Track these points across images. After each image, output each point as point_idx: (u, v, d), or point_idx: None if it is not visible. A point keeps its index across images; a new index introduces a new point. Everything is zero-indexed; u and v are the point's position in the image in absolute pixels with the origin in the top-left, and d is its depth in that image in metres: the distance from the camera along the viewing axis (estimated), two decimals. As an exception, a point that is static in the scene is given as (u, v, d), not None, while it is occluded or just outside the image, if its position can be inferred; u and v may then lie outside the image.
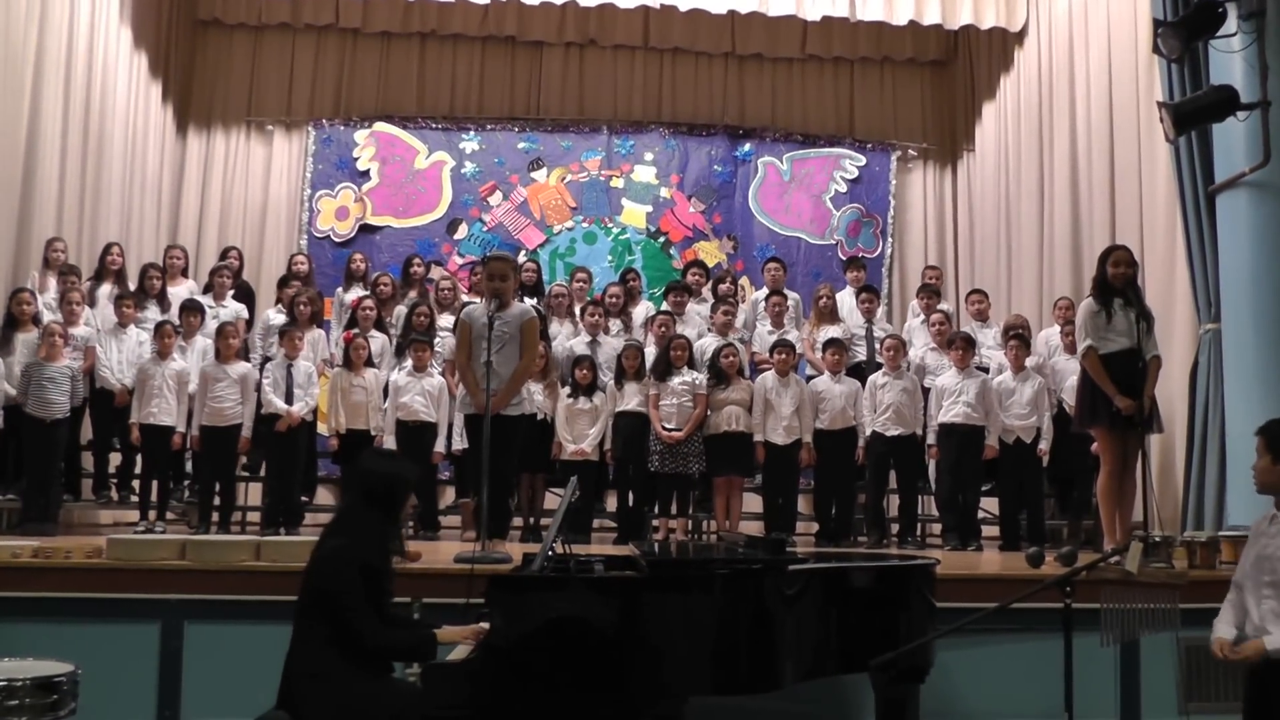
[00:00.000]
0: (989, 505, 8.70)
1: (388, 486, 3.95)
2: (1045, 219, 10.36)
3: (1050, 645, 4.04)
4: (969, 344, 8.47)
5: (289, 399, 8.29)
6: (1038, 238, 10.48)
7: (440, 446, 8.41)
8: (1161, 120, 7.06)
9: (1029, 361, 8.51)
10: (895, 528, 8.59)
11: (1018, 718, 5.47)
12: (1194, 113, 6.92)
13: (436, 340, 8.84)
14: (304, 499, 8.72)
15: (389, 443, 8.18)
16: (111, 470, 9.00)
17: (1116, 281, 6.49)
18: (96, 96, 10.23)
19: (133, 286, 9.28)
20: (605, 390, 8.54)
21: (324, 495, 9.58)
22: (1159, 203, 8.39)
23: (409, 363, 8.45)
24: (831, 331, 9.26)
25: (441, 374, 8.56)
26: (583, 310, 9.31)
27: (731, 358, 8.41)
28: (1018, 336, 8.56)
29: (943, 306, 9.85)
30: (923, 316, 9.58)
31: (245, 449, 8.42)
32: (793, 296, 10.00)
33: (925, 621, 4.44)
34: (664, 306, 9.65)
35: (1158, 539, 5.84)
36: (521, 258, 10.94)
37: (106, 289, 9.26)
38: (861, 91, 12.69)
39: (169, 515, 8.50)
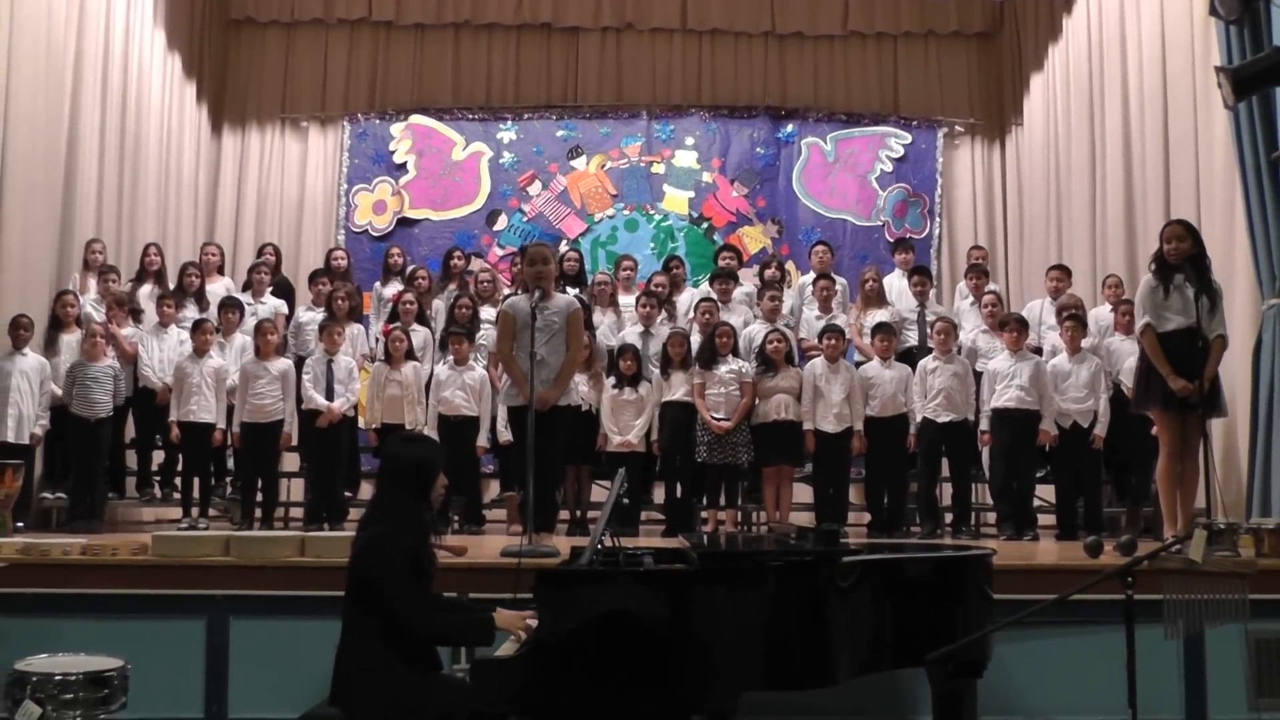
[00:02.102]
0: (1044, 493, 8.62)
1: (415, 469, 3.92)
2: (1097, 194, 10.21)
3: (1111, 639, 4.01)
4: (1022, 326, 8.37)
5: (329, 395, 8.34)
6: (1089, 213, 10.34)
7: (483, 440, 8.43)
8: (1219, 86, 6.88)
9: (1085, 342, 8.40)
10: (948, 517, 8.52)
11: (1078, 714, 5.40)
12: (1254, 76, 6.66)
13: (480, 334, 8.88)
14: (347, 494, 8.76)
15: (431, 433, 8.17)
16: (155, 468, 9.11)
17: (1172, 257, 6.38)
18: (133, 98, 10.34)
19: (172, 285, 9.41)
20: (651, 380, 8.53)
21: (367, 490, 9.33)
22: (1217, 174, 8.21)
23: (450, 356, 8.49)
24: (879, 315, 9.19)
25: (485, 367, 8.58)
26: (636, 300, 9.28)
27: (779, 344, 8.36)
28: (1073, 316, 8.46)
29: (993, 287, 9.75)
30: (972, 298, 9.50)
31: (287, 445, 8.48)
32: (840, 281, 9.94)
33: (982, 614, 4.37)
34: (708, 293, 9.61)
35: (1222, 526, 5.68)
36: (563, 247, 11.00)
37: (147, 289, 9.38)
38: (906, 67, 12.58)
39: (212, 512, 8.59)
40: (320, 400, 8.30)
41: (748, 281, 10.22)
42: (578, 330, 6.45)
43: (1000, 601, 4.53)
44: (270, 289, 9.76)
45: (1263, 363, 7.39)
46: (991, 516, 8.80)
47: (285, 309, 9.68)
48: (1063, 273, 9.43)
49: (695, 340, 8.72)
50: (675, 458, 8.40)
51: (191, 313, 9.11)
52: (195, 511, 8.38)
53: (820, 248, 10.20)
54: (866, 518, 8.61)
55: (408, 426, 8.28)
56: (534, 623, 3.91)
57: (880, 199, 12.04)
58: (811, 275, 9.96)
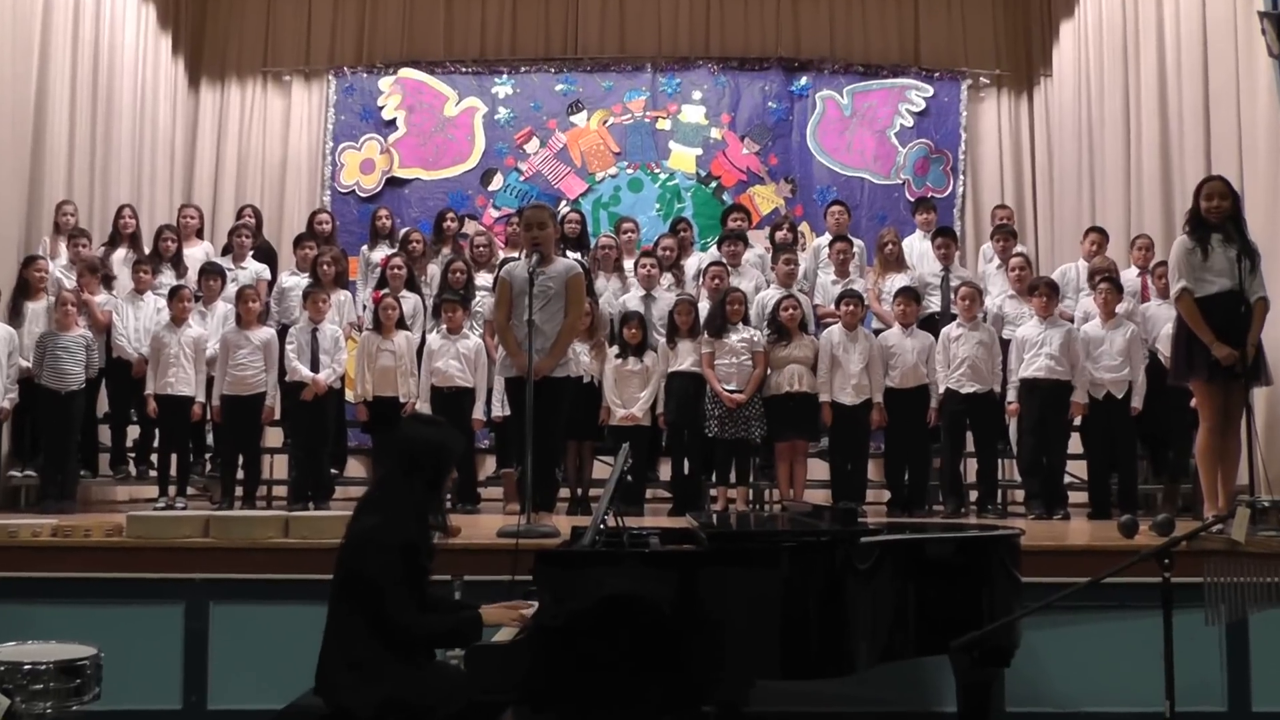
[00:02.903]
0: (1076, 469, 8.59)
1: (432, 457, 3.87)
2: (1131, 149, 10.15)
3: (1147, 624, 4.04)
4: (1052, 290, 8.33)
5: (314, 366, 8.33)
6: (1124, 170, 10.27)
7: (479, 413, 8.46)
8: (1263, 33, 6.83)
9: (1120, 308, 8.35)
10: (973, 495, 8.54)
11: (1112, 704, 5.38)
12: (1300, 21, 6.64)
13: (476, 300, 8.89)
14: (334, 471, 8.78)
15: (425, 408, 8.19)
16: (129, 444, 9.10)
17: (1212, 216, 6.25)
18: (105, 51, 10.26)
19: (147, 250, 9.38)
20: (657, 350, 8.52)
21: (354, 467, 9.67)
22: (1259, 126, 8.13)
23: (443, 325, 8.50)
24: (900, 280, 9.18)
25: (481, 336, 8.60)
26: (635, 263, 9.27)
27: (793, 311, 8.35)
28: (1107, 279, 8.39)
29: (1021, 249, 9.70)
30: (998, 261, 9.47)
31: (270, 419, 8.50)
32: (858, 243, 9.91)
33: (1010, 598, 4.35)
34: (717, 257, 9.57)
35: (1266, 504, 5.62)
36: (563, 208, 10.92)
37: (121, 254, 9.36)
38: (927, 15, 12.46)
39: (190, 491, 8.60)
40: (305, 371, 8.29)
41: (759, 244, 10.18)
42: (578, 296, 6.47)
43: (1029, 585, 4.50)
44: (251, 253, 9.72)
45: (1310, 328, 7.29)
46: (1019, 494, 8.79)
47: (268, 274, 9.65)
48: (1100, 235, 9.37)
49: (704, 307, 8.70)
50: (683, 432, 8.40)
51: (168, 279, 9.08)
52: (173, 490, 8.38)
53: (836, 208, 10.18)
54: (886, 496, 8.62)
55: (401, 399, 8.34)
56: (527, 611, 3.90)
57: (900, 156, 11.96)
58: (827, 237, 9.93)
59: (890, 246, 9.51)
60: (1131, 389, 8.13)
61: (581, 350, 8.07)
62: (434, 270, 9.49)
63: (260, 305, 8.61)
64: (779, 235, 9.92)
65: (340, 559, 3.84)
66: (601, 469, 8.61)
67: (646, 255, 9.34)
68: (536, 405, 5.96)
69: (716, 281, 8.89)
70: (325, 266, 8.92)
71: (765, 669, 3.78)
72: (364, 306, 9.38)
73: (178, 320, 8.43)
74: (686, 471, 8.44)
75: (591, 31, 12.38)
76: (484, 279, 9.14)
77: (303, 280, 9.14)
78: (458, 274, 8.94)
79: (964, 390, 8.23)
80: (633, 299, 9.00)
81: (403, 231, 10.00)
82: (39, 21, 9.13)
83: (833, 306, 8.85)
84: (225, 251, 9.84)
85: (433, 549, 3.91)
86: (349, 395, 8.93)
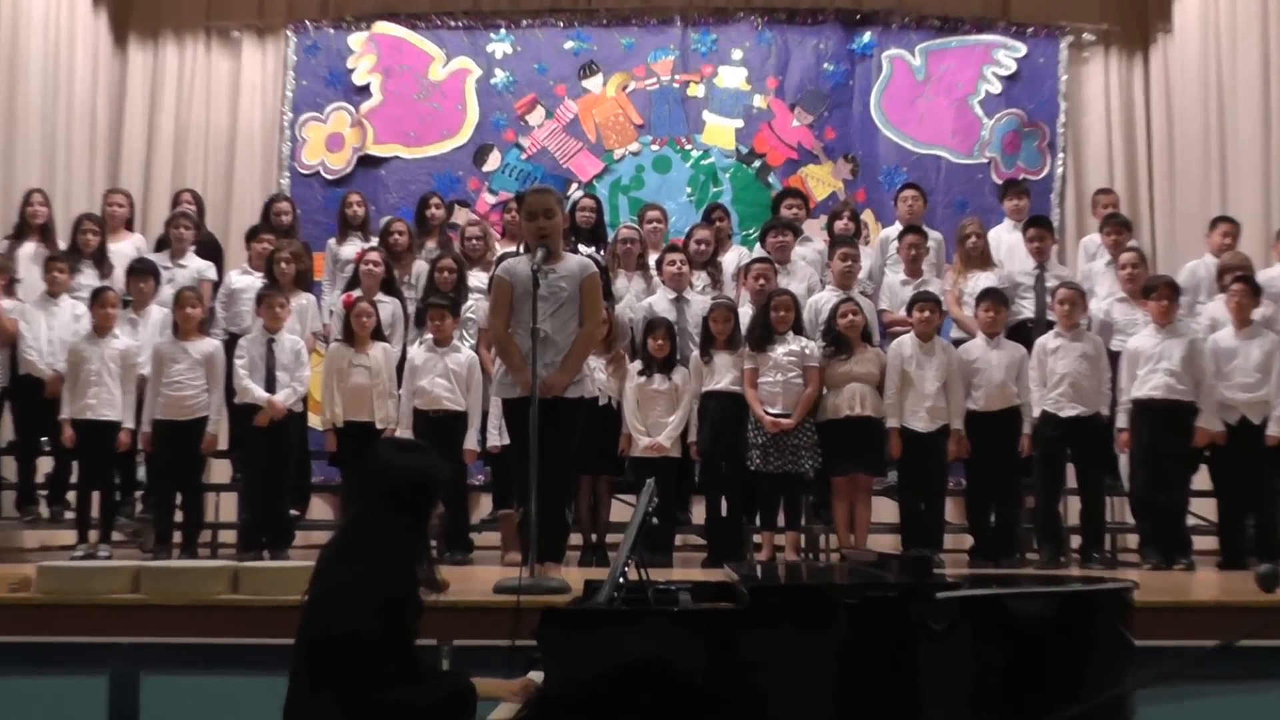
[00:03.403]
0: (1202, 508, 8.53)
1: (414, 491, 3.82)
2: (1271, 122, 10.09)
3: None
4: (1173, 292, 8.29)
5: (270, 385, 8.28)
6: (1260, 147, 10.22)
7: (472, 442, 8.40)
8: None
9: (1256, 313, 8.30)
10: (1075, 540, 8.49)
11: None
12: None
13: (468, 305, 8.82)
14: (294, 513, 8.76)
15: (406, 434, 8.15)
16: (41, 479, 9.05)
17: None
18: (7, 3, 10.24)
19: (64, 245, 9.31)
20: (688, 365, 8.47)
21: (320, 508, 9.62)
22: None
23: (428, 335, 8.44)
24: (985, 280, 9.07)
25: (473, 348, 8.59)
26: (661, 259, 9.18)
27: (853, 317, 8.29)
28: (1241, 279, 8.35)
29: (1134, 243, 9.59)
30: (1107, 257, 9.39)
31: (214, 449, 8.49)
32: (934, 236, 9.83)
33: (1119, 666, 4.31)
34: (760, 252, 9.44)
35: None
36: (574, 193, 10.76)
37: (29, 248, 9.32)
38: (1018, -43, 12.41)
39: (116, 536, 8.53)
40: (258, 392, 8.25)
41: (814, 237, 10.08)
42: (594, 300, 6.47)
43: (1143, 649, 4.46)
44: (193, 248, 9.66)
45: None
46: (1131, 539, 8.77)
47: (212, 274, 9.61)
48: (1232, 226, 9.33)
49: (745, 313, 8.66)
50: (719, 465, 8.38)
51: (90, 279, 9.03)
52: (94, 536, 8.33)
53: (909, 193, 10.10)
54: (968, 541, 8.60)
55: (377, 425, 8.31)
56: (534, 679, 3.89)
57: (985, 129, 11.81)
58: (896, 228, 9.84)
59: (973, 240, 9.38)
60: (1270, 412, 8.07)
61: (597, 366, 8.03)
62: (418, 268, 9.41)
63: (202, 311, 8.54)
64: (837, 226, 9.76)
65: (304, 620, 3.76)
66: (621, 510, 8.58)
67: (675, 250, 9.25)
68: (543, 432, 5.94)
69: (761, 282, 8.82)
70: (284, 264, 8.81)
71: (818, 751, 3.77)
72: (331, 312, 9.28)
73: (101, 330, 8.39)
74: (724, 513, 8.42)
75: (609, -24, 12.29)
76: (478, 279, 9.04)
77: (256, 280, 9.05)
78: (446, 273, 8.86)
79: (1063, 414, 8.17)
80: (659, 303, 8.93)
81: (380, 222, 9.88)
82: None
83: (903, 312, 8.83)
84: (160, 246, 9.78)
85: (420, 606, 3.85)
86: (313, 421, 8.90)
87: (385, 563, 3.69)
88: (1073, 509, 8.62)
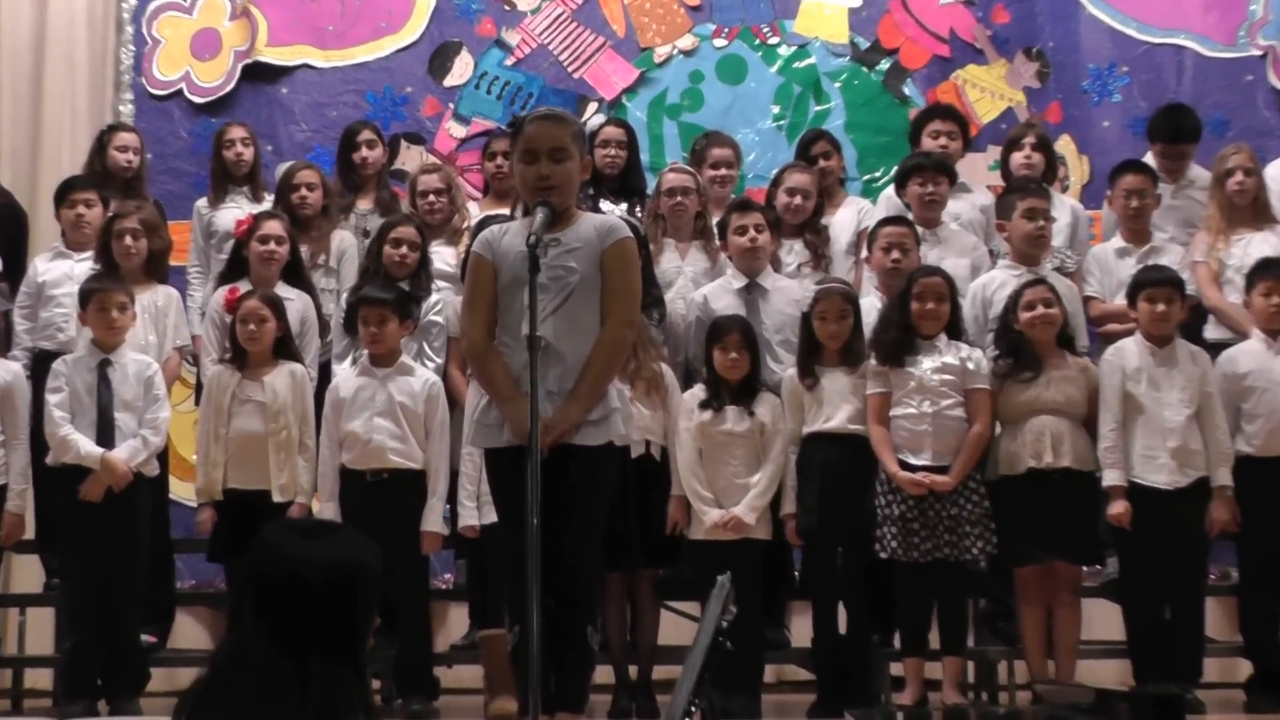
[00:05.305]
0: None
1: (328, 597, 3.08)
2: None
3: None
4: None
5: (106, 434, 7.01)
6: None
7: (436, 521, 7.03)
8: None
9: None
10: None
11: None
12: None
13: (432, 303, 7.55)
14: (148, 639, 7.39)
15: (329, 513, 6.91)
16: None
17: None
18: None
19: None
20: (779, 390, 7.05)
21: (189, 629, 8.19)
22: None
23: (362, 350, 7.15)
24: (1261, 245, 7.57)
25: (438, 369, 7.39)
26: (724, 221, 7.62)
27: (1045, 310, 6.90)
28: None
29: None
30: None
31: (14, 538, 7.20)
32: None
33: None
34: (892, 208, 7.82)
35: None
36: (591, 119, 9.07)
37: None
38: None
39: None
40: (86, 446, 6.89)
41: (975, 187, 8.37)
42: (624, 284, 5.43)
43: None
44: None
45: None
46: None
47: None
48: None
49: (870, 307, 7.30)
50: (833, 551, 7.03)
51: None
52: None
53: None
54: (1244, 669, 7.20)
55: (277, 496, 7.02)
56: None
57: (1256, 2, 9.77)
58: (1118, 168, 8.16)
59: (1240, 180, 7.65)
60: None
61: (627, 391, 6.27)
62: (339, 242, 8.09)
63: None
64: (1016, 162, 8.07)
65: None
66: (676, 627, 7.29)
67: (749, 209, 7.60)
68: (548, 502, 4.88)
69: (895, 257, 7.30)
70: (127, 239, 7.39)
71: None
72: (203, 316, 7.91)
73: None
74: (844, 629, 7.10)
75: None
76: (442, 259, 7.77)
77: (80, 267, 7.70)
78: (393, 249, 7.46)
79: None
80: (727, 292, 7.45)
81: (278, 171, 8.44)
82: None
83: (1123, 300, 7.32)
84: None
85: None
86: (178, 490, 7.89)
87: (288, 715, 3.15)
88: None
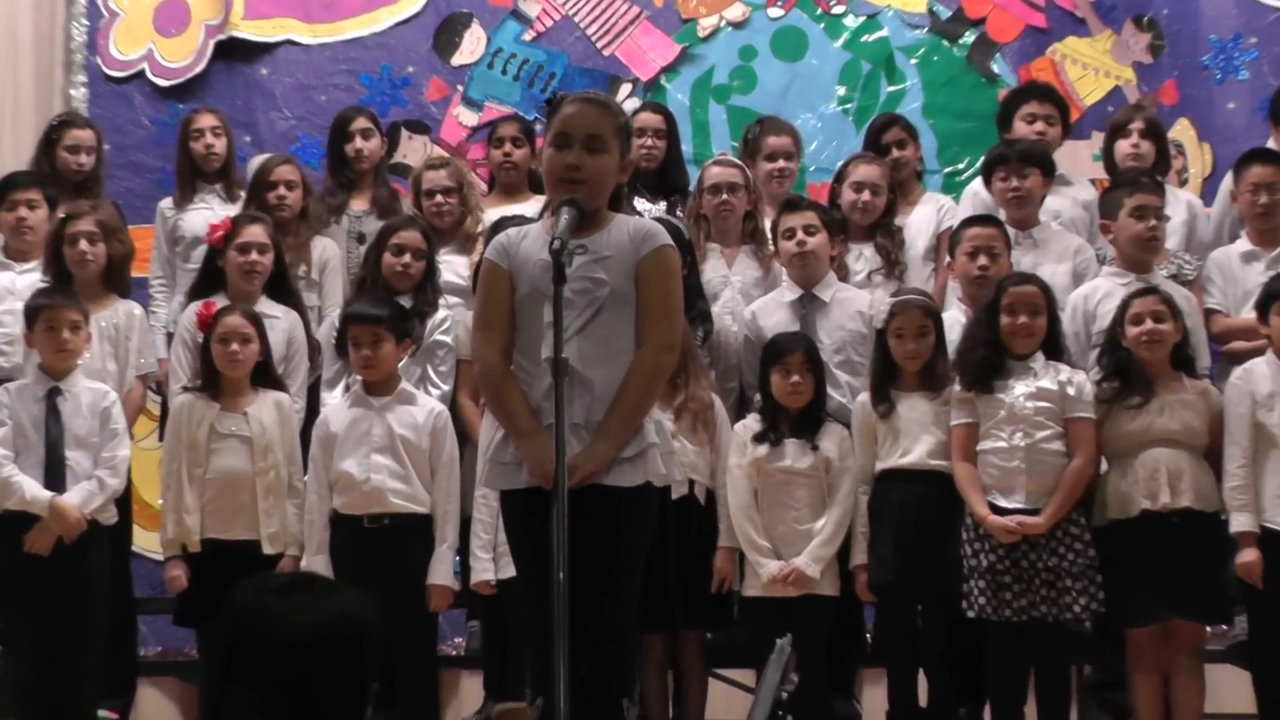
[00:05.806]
0: None
1: (319, 664, 2.83)
2: None
3: None
4: None
5: (55, 476, 6.65)
6: None
7: (445, 574, 6.73)
8: None
9: None
10: None
11: None
12: None
13: (436, 320, 7.13)
14: (106, 714, 6.94)
15: (319, 567, 6.55)
16: None
17: None
18: None
19: None
20: (849, 422, 6.74)
21: (154, 704, 7.62)
22: None
23: (355, 376, 6.83)
24: None
25: (445, 397, 7.04)
26: (775, 224, 7.19)
27: (1158, 326, 6.47)
28: None
29: None
30: None
31: None
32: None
33: None
34: (979, 205, 7.37)
35: None
36: (626, 102, 8.44)
37: None
38: None
39: None
40: (32, 488, 6.52)
41: (1076, 180, 7.85)
42: (663, 299, 5.07)
43: None
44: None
45: None
46: None
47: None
48: None
49: (955, 320, 6.89)
50: (912, 609, 6.79)
51: None
52: None
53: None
54: None
55: (267, 548, 6.64)
56: None
57: None
58: (1244, 160, 7.52)
59: None
60: None
61: (666, 418, 6.11)
62: (321, 252, 7.61)
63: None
64: (1122, 151, 7.50)
65: None
66: (728, 697, 7.03)
67: (799, 207, 7.18)
68: (576, 553, 4.52)
69: (982, 262, 6.90)
70: (82, 244, 6.95)
71: None
72: (171, 336, 7.43)
73: None
74: (925, 700, 6.75)
75: None
76: (452, 269, 7.38)
77: (25, 278, 7.31)
78: (395, 258, 7.07)
79: None
80: (776, 307, 7.08)
81: (252, 165, 7.98)
82: None
83: (1252, 314, 6.85)
84: None
85: None
86: (143, 542, 7.51)
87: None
88: None
